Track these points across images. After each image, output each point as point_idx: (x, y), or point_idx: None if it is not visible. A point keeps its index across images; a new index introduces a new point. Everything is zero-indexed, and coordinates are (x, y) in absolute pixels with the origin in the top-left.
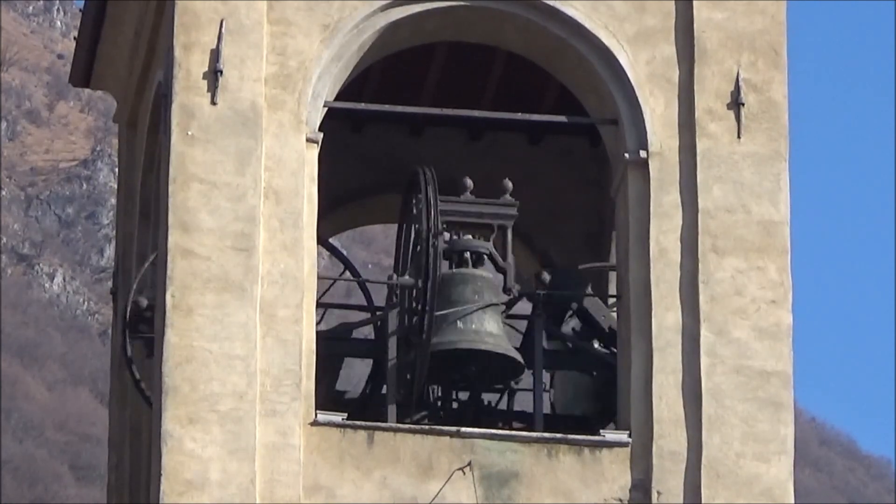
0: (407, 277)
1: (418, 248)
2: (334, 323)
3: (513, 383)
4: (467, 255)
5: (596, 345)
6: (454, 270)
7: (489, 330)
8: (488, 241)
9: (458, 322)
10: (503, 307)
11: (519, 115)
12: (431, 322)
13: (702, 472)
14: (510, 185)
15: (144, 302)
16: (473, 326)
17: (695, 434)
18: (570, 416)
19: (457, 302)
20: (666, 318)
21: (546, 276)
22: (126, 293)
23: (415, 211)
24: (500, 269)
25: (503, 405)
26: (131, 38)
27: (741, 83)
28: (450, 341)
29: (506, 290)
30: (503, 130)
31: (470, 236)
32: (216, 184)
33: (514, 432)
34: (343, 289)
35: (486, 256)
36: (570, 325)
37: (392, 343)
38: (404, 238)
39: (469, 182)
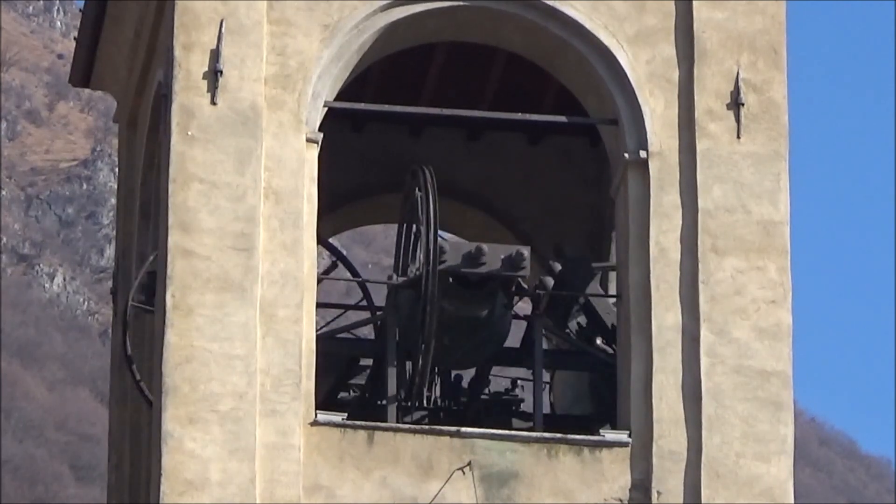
0: (406, 277)
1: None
2: (334, 323)
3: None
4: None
5: (599, 341)
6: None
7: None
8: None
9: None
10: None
11: (519, 115)
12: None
13: (702, 472)
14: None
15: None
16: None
17: (695, 434)
18: (570, 416)
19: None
20: (666, 318)
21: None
22: (126, 293)
23: (415, 210)
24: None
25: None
26: (131, 38)
27: (741, 83)
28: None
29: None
30: (503, 130)
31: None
32: (216, 184)
33: (514, 432)
34: (343, 289)
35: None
36: (577, 319)
37: (392, 343)
38: (404, 238)
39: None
